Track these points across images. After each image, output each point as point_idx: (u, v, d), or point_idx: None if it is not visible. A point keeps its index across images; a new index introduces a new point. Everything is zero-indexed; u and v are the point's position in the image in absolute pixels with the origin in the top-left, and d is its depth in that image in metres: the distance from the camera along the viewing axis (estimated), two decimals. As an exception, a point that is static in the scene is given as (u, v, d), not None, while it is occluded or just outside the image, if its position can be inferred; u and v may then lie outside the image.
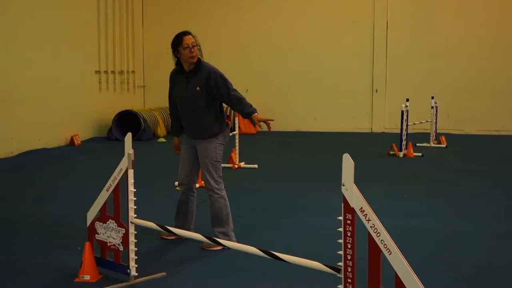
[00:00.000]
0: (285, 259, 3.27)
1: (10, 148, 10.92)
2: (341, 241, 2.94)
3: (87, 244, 4.33)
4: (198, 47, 5.12)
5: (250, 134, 14.99)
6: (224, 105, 5.18)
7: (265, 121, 4.89)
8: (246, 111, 4.97)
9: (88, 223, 4.41)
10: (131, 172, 4.11)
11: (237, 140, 9.64)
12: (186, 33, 5.17)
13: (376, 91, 15.59)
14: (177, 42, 5.13)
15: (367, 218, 2.80)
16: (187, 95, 5.06)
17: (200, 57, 5.12)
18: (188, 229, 5.13)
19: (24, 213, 6.53)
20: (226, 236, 4.93)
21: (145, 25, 16.93)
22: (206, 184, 5.11)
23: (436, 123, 12.67)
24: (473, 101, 15.04)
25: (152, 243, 4.99)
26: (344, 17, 15.65)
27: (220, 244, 3.58)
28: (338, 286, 2.99)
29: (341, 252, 2.95)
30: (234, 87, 5.23)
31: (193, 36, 5.14)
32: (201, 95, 4.98)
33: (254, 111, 5.01)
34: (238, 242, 3.60)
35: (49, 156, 11.11)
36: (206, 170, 5.07)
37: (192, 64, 5.09)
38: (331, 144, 13.08)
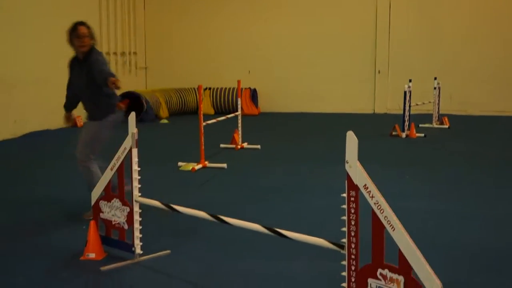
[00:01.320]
0: (289, 236, 3.29)
1: (14, 130, 10.95)
2: (345, 218, 2.96)
3: (92, 222, 4.37)
4: (91, 36, 5.43)
5: (253, 115, 14.98)
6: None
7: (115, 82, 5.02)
8: (103, 76, 5.13)
9: (93, 202, 4.44)
10: (135, 151, 4.13)
11: (239, 121, 9.64)
12: (80, 23, 5.48)
13: (379, 72, 15.54)
14: (71, 31, 5.43)
15: (370, 195, 2.81)
16: (79, 83, 5.48)
17: (93, 45, 5.43)
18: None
19: (28, 193, 6.56)
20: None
21: (146, 6, 16.84)
22: (77, 153, 5.47)
23: (438, 104, 12.64)
24: (476, 82, 14.97)
25: (157, 222, 5.02)
26: (346, -2, 15.57)
27: (225, 222, 3.60)
28: (342, 262, 3.01)
29: (345, 229, 2.97)
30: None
31: (87, 27, 5.45)
32: (88, 81, 5.32)
33: (111, 74, 5.17)
34: (242, 220, 3.60)
35: (52, 137, 11.14)
36: (81, 143, 5.47)
37: (82, 53, 5.39)
38: (333, 125, 13.08)
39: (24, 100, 11.24)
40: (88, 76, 5.30)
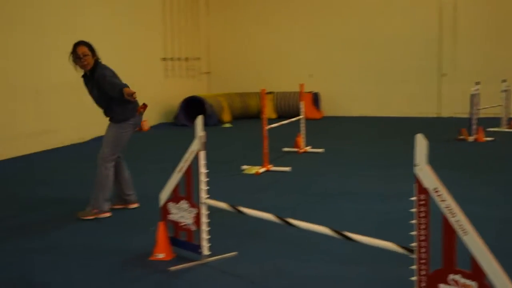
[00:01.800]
0: (356, 239, 3.28)
1: (82, 134, 11.31)
2: (414, 221, 2.92)
3: (161, 223, 4.47)
4: (93, 53, 5.73)
5: (315, 119, 14.94)
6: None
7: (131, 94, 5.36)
8: (117, 89, 5.46)
9: (161, 203, 4.54)
10: (202, 154, 4.20)
11: (302, 125, 9.64)
12: (79, 43, 5.70)
13: (444, 75, 15.19)
14: (72, 52, 5.70)
15: (441, 199, 2.77)
16: (94, 95, 5.88)
17: (97, 60, 5.78)
18: (126, 196, 6.07)
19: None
20: (92, 200, 5.71)
21: (210, 12, 17.10)
22: (99, 153, 5.81)
23: (508, 107, 12.25)
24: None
25: (223, 224, 5.08)
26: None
27: (292, 225, 3.61)
28: (412, 267, 2.97)
29: (414, 233, 2.93)
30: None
31: (87, 45, 5.72)
32: (100, 94, 5.72)
33: (124, 86, 5.51)
34: (309, 223, 3.61)
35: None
36: (104, 144, 5.83)
37: (89, 70, 5.73)
38: (397, 129, 12.88)
39: (93, 105, 11.56)
40: (100, 90, 5.67)
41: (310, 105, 15.24)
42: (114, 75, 5.75)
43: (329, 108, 15.96)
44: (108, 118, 5.92)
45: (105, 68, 5.77)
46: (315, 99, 15.69)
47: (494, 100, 12.86)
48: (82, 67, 5.72)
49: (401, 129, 12.79)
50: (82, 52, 5.64)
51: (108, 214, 5.73)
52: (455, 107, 15.07)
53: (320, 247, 4.57)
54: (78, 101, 10.81)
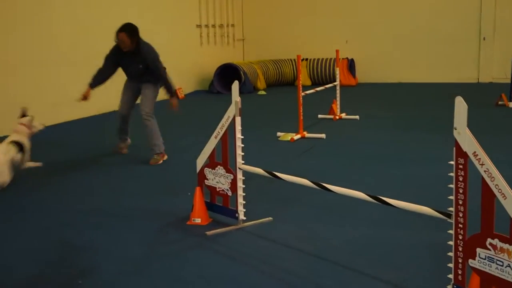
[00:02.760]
0: (393, 204, 3.26)
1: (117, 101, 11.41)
2: (452, 186, 2.89)
3: (198, 189, 4.53)
4: (132, 39, 6.58)
5: (351, 86, 14.78)
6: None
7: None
8: (163, 81, 6.89)
9: (198, 169, 4.59)
10: (238, 119, 4.22)
11: (338, 92, 9.56)
12: (119, 30, 6.56)
13: (484, 39, 14.80)
14: (116, 36, 6.61)
15: (480, 162, 2.73)
16: (133, 67, 6.78)
17: (138, 41, 6.66)
18: (126, 140, 7.33)
19: (134, 161, 6.87)
20: (157, 146, 6.78)
21: (244, -23, 16.95)
22: (145, 109, 6.84)
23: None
24: None
25: (259, 189, 5.12)
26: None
27: (328, 189, 3.62)
28: (449, 231, 2.96)
29: (452, 197, 2.91)
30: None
31: (127, 33, 6.54)
32: (143, 68, 6.74)
33: (165, 74, 6.86)
34: (344, 188, 3.61)
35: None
36: (148, 101, 6.87)
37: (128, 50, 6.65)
38: (435, 95, 12.66)
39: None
40: (143, 63, 6.69)
41: (346, 72, 15.07)
42: (157, 56, 6.81)
43: (364, 74, 15.74)
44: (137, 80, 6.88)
45: (150, 50, 6.75)
46: (351, 65, 15.49)
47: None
48: (123, 48, 6.60)
49: (438, 95, 12.57)
50: (121, 39, 6.53)
51: (166, 156, 6.85)
52: (495, 72, 14.72)
53: (357, 212, 4.59)
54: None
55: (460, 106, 2.79)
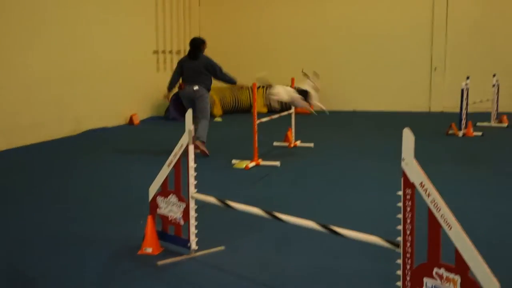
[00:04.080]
0: (342, 234, 3.29)
1: (73, 127, 11.28)
2: (400, 216, 2.94)
3: (150, 217, 4.48)
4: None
5: (306, 113, 14.93)
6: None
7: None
8: (228, 80, 9.42)
9: (150, 197, 4.54)
10: (191, 148, 4.20)
11: (293, 119, 9.66)
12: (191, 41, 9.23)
13: (435, 69, 15.24)
14: (204, 42, 9.26)
15: (427, 193, 2.78)
16: (195, 71, 9.01)
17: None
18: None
19: (87, 188, 6.76)
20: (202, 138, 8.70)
21: (201, 4, 17.05)
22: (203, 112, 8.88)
23: (497, 102, 12.32)
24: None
25: (212, 218, 5.09)
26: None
27: (279, 219, 3.63)
28: (397, 261, 3.00)
29: (400, 227, 2.95)
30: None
31: (195, 43, 9.15)
32: (206, 74, 9.09)
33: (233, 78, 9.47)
34: (297, 217, 3.63)
35: (109, 134, 11.42)
36: (206, 105, 8.97)
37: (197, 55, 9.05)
38: (388, 123, 12.92)
39: (83, 97, 11.58)
40: (205, 69, 8.96)
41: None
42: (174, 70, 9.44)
43: (320, 102, 15.90)
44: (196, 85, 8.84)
45: (210, 59, 9.20)
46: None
47: (484, 94, 12.93)
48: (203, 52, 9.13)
49: (391, 123, 12.83)
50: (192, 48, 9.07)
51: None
52: (446, 101, 15.13)
53: (309, 240, 4.60)
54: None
55: (408, 137, 2.85)
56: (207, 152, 8.64)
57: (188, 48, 9.23)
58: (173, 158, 4.31)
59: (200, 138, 8.58)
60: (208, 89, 9.03)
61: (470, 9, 14.92)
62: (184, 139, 4.21)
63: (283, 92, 8.47)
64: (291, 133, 9.67)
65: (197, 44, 9.03)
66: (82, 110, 11.55)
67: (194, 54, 8.98)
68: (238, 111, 15.54)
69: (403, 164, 2.87)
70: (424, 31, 15.23)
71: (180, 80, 9.36)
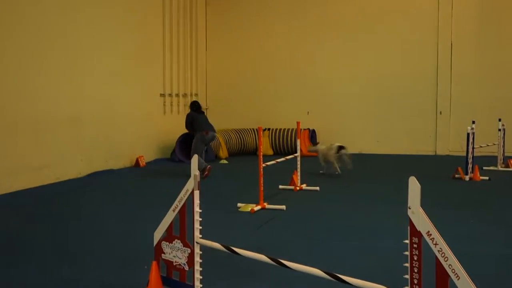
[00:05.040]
0: (349, 282, 3.26)
1: (79, 169, 11.31)
2: (407, 265, 2.91)
3: (154, 263, 4.44)
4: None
5: (312, 156, 14.94)
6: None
7: None
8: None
9: (155, 242, 4.52)
10: (196, 193, 4.20)
11: (298, 162, 9.65)
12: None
13: (440, 113, 15.30)
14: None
15: (434, 242, 2.77)
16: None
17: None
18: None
19: (92, 232, 6.73)
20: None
21: (208, 49, 17.29)
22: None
23: (503, 146, 12.31)
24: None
25: (217, 263, 5.05)
26: (407, 37, 15.49)
27: (284, 265, 3.60)
28: (404, 311, 2.95)
29: (407, 276, 2.92)
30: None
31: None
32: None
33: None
34: (301, 263, 3.59)
35: (115, 177, 11.43)
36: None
37: None
38: (394, 167, 12.90)
39: (90, 139, 11.64)
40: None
41: (307, 142, 15.28)
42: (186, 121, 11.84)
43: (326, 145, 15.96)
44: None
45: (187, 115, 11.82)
46: (312, 136, 15.74)
47: (490, 138, 12.93)
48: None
49: (398, 167, 12.81)
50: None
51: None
52: (451, 144, 15.15)
53: (312, 287, 4.54)
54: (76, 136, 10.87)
55: (414, 186, 2.85)
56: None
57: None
58: (178, 203, 4.30)
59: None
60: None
61: (473, 55, 15.05)
62: (190, 185, 4.21)
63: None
64: (297, 176, 9.65)
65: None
66: (88, 152, 11.60)
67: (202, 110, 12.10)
68: (244, 153, 15.57)
69: (409, 212, 2.86)
70: (429, 76, 15.34)
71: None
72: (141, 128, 13.62)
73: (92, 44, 11.75)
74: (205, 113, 12.07)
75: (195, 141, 11.50)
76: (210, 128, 11.62)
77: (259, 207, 7.92)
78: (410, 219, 2.87)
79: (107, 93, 12.26)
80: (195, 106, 11.82)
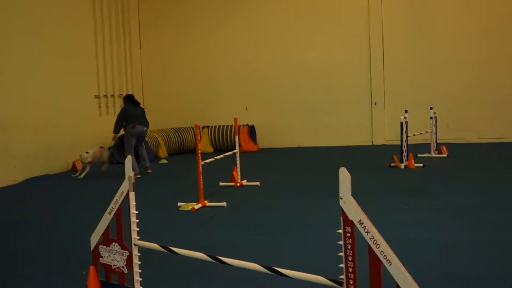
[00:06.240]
0: (287, 274, 3.29)
1: (13, 176, 10.98)
2: (341, 254, 2.97)
3: (92, 268, 4.36)
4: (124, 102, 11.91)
5: (252, 152, 15.02)
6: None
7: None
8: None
9: (92, 246, 4.43)
10: (132, 195, 4.14)
11: (238, 158, 9.68)
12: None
13: (375, 104, 15.66)
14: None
15: (366, 230, 2.83)
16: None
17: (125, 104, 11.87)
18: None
19: (27, 239, 6.55)
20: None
21: (142, 48, 17.08)
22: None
23: (436, 133, 12.72)
24: (472, 110, 15.11)
25: (157, 264, 5.00)
26: (340, 32, 15.78)
27: (224, 262, 3.60)
28: (341, 299, 3.01)
29: (342, 265, 2.98)
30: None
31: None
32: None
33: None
34: (241, 259, 3.61)
35: (51, 182, 11.16)
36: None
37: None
38: (332, 159, 13.11)
39: (23, 145, 11.31)
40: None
41: (246, 138, 15.34)
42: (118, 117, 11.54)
43: (265, 140, 16.11)
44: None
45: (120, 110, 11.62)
46: (251, 131, 15.81)
47: (423, 126, 13.34)
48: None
49: (336, 159, 13.03)
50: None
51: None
52: (386, 134, 15.54)
53: (255, 282, 4.56)
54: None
55: (344, 177, 2.90)
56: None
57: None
58: (114, 205, 4.24)
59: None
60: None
61: (404, 46, 15.49)
62: (125, 186, 4.15)
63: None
64: (237, 173, 9.67)
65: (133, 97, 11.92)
66: (22, 158, 11.27)
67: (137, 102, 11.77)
68: (184, 152, 15.48)
69: (341, 202, 2.92)
70: (363, 69, 15.70)
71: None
72: (77, 131, 13.33)
73: (20, 47, 11.40)
74: (144, 107, 12.14)
75: (125, 138, 11.40)
76: (140, 121, 11.38)
77: (199, 205, 7.90)
78: (342, 209, 2.92)
79: (38, 97, 11.93)
80: (129, 98, 11.68)
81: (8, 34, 11.07)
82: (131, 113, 11.34)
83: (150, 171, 11.68)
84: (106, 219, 4.30)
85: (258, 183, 9.61)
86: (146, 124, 11.57)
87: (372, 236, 2.80)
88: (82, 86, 13.80)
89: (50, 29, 12.50)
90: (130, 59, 16.37)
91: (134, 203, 4.15)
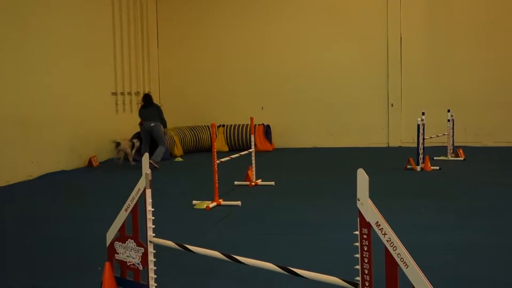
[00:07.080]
0: (302, 275, 3.29)
1: (30, 171, 11.06)
2: (358, 255, 2.95)
3: (107, 264, 4.38)
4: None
5: (267, 151, 15.01)
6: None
7: None
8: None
9: (108, 243, 4.46)
10: (148, 192, 4.16)
11: (253, 158, 9.68)
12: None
13: (392, 105, 15.58)
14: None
15: (383, 232, 2.81)
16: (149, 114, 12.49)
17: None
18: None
19: (44, 234, 6.60)
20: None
21: (160, 46, 17.13)
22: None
23: (453, 136, 12.61)
24: (490, 114, 14.95)
25: (172, 262, 5.02)
26: (357, 32, 15.71)
27: (239, 261, 3.60)
28: (357, 301, 3.00)
29: (358, 267, 2.96)
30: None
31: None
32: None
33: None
34: (255, 259, 3.61)
35: (67, 178, 11.23)
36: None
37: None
38: (347, 160, 13.06)
39: (40, 141, 11.40)
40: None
41: (262, 138, 15.33)
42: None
43: (280, 140, 16.09)
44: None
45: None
46: (267, 131, 15.80)
47: (440, 129, 13.24)
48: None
49: (351, 160, 12.97)
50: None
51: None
52: (403, 136, 15.45)
53: (270, 282, 4.56)
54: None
55: (362, 178, 2.89)
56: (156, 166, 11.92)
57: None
58: (130, 202, 4.26)
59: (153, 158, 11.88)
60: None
61: (422, 47, 15.37)
62: (141, 183, 4.16)
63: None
64: (252, 172, 9.67)
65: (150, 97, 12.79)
66: (38, 153, 11.36)
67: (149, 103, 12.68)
68: (199, 150, 15.52)
69: (358, 204, 2.90)
70: (380, 69, 15.60)
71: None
72: (94, 128, 13.41)
73: (39, 43, 11.49)
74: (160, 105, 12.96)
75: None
76: (147, 118, 12.32)
77: (214, 203, 7.91)
78: (359, 210, 2.91)
79: (56, 93, 12.01)
80: (143, 98, 12.84)
81: (27, 31, 11.15)
82: (140, 112, 12.62)
83: (156, 166, 11.90)
84: (122, 216, 4.32)
85: (273, 182, 9.61)
86: (155, 119, 12.27)
87: (389, 238, 2.79)
88: (99, 83, 13.88)
89: (69, 26, 12.59)
90: (147, 58, 16.43)
91: (151, 200, 4.17)
